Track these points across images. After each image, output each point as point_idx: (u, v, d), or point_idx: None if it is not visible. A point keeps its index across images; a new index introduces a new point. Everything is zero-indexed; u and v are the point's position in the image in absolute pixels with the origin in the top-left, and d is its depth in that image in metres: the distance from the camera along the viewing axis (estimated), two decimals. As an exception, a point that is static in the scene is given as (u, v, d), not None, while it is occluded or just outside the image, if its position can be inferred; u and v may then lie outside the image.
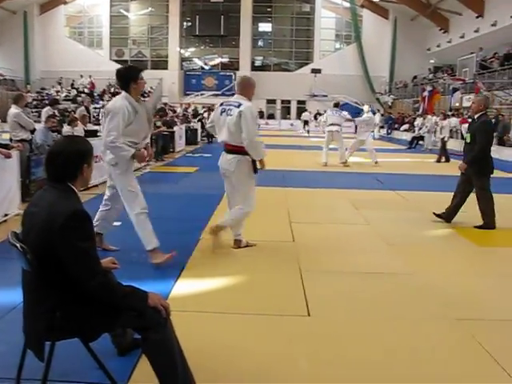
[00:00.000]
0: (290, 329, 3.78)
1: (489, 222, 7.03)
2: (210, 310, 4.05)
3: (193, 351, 3.02)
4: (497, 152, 19.41)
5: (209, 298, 4.31)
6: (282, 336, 3.65)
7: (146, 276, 4.64)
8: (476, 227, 7.04)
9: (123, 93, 5.01)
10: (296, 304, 4.20)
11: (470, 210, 7.24)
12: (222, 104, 5.80)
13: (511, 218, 7.69)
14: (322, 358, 3.35)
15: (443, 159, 16.87)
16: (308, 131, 33.96)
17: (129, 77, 5.00)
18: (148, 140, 5.63)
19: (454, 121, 23.98)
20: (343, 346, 3.53)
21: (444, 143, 17.16)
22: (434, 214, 7.44)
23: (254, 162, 5.64)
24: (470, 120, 7.23)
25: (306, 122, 35.25)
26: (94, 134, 11.08)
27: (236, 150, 5.58)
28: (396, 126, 33.45)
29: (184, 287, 4.51)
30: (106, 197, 5.54)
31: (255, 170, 5.69)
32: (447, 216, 7.32)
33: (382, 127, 33.53)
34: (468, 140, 7.16)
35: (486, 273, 5.29)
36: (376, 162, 14.90)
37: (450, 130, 21.19)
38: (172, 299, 4.16)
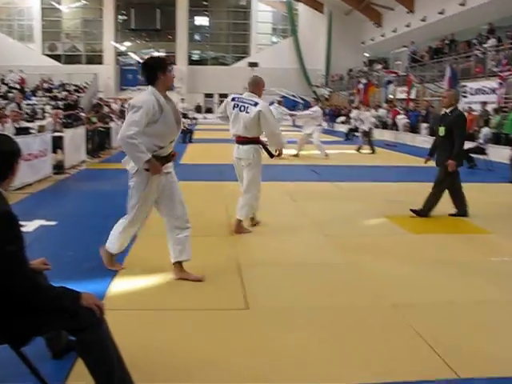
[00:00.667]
0: (228, 323, 3.79)
1: (426, 211, 7.27)
2: (148, 308, 4.02)
3: (130, 350, 3.00)
4: (428, 142, 20.06)
5: (146, 296, 4.26)
6: (220, 330, 3.66)
7: (82, 275, 4.57)
8: (451, 215, 7.35)
9: (150, 88, 4.40)
10: (234, 298, 4.22)
11: (408, 199, 7.49)
12: (233, 99, 6.28)
13: (440, 205, 7.94)
14: (261, 350, 3.37)
15: (365, 150, 17.44)
16: None
17: (157, 67, 4.40)
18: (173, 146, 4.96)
19: (382, 112, 24.58)
20: (282, 337, 3.56)
21: (367, 134, 17.64)
22: (411, 210, 7.44)
23: (267, 149, 6.33)
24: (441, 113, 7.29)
25: None
26: (25, 131, 10.76)
27: (251, 140, 6.21)
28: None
29: (121, 285, 4.44)
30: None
31: (271, 155, 6.38)
32: (424, 211, 7.36)
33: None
34: (442, 133, 7.25)
35: (418, 259, 5.46)
36: (326, 155, 15.06)
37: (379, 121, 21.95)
38: (109, 298, 4.12)
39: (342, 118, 31.32)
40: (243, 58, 43.44)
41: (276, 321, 3.84)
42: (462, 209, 7.40)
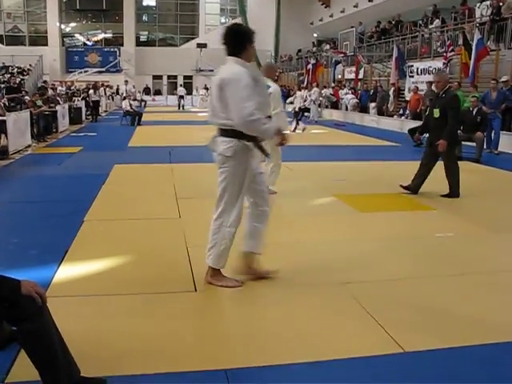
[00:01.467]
0: (177, 305, 3.76)
1: (455, 191, 7.43)
2: (95, 293, 3.93)
3: (77, 338, 2.94)
4: (376, 122, 20.37)
5: (94, 281, 4.18)
6: (169, 313, 3.62)
7: (27, 263, 4.46)
8: (443, 196, 7.43)
9: (234, 58, 3.94)
10: (183, 280, 4.18)
11: (356, 178, 7.58)
12: None
13: (388, 183, 8.09)
14: (210, 332, 3.36)
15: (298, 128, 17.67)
16: (183, 106, 33.21)
17: (247, 37, 3.97)
18: None
19: (327, 91, 24.69)
20: (230, 318, 3.58)
21: (296, 113, 17.97)
22: (401, 186, 7.58)
23: None
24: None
25: (181, 97, 34.45)
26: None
27: None
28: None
29: (68, 271, 4.34)
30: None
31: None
32: (414, 187, 7.53)
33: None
34: (436, 115, 7.34)
35: (367, 237, 5.54)
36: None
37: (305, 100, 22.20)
38: (55, 285, 4.03)
39: (291, 99, 31.35)
40: (192, 38, 42.88)
41: (225, 302, 3.85)
42: (417, 187, 7.57)
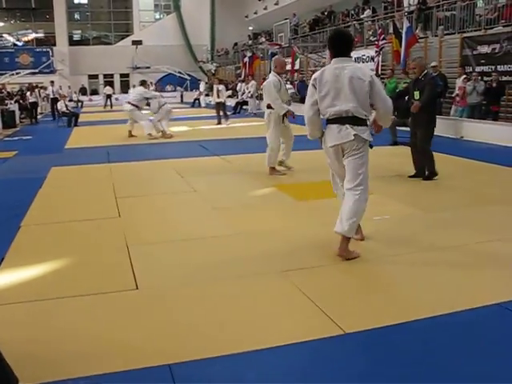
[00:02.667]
0: (118, 304, 3.74)
1: (433, 171, 7.79)
2: (35, 299, 3.85)
3: (16, 346, 2.91)
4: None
5: (33, 286, 4.10)
6: (110, 313, 3.60)
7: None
8: (424, 179, 7.76)
9: (350, 58, 4.65)
10: (123, 279, 4.15)
11: (295, 168, 7.69)
12: None
13: (327, 171, 8.22)
14: (154, 328, 3.36)
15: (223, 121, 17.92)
16: (111, 105, 32.67)
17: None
18: None
19: (252, 83, 24.66)
20: (172, 313, 3.57)
21: (219, 106, 18.02)
22: (410, 177, 7.88)
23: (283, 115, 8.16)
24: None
25: (108, 96, 33.75)
26: None
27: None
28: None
29: (5, 279, 4.23)
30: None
31: (283, 120, 8.23)
32: (419, 173, 7.85)
33: (207, 95, 33.84)
34: (417, 97, 7.74)
35: (306, 225, 5.64)
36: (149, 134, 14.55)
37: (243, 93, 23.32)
38: (-9, 293, 3.94)
39: (229, 92, 31.38)
40: (127, 36, 42.18)
41: (168, 298, 3.83)
42: (421, 171, 7.88)
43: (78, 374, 2.82)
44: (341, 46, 4.55)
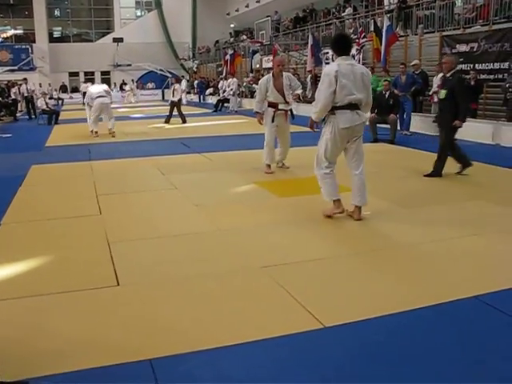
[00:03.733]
0: (99, 301, 3.74)
1: (438, 172, 7.70)
2: (14, 296, 3.83)
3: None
4: (295, 109, 20.64)
5: (13, 284, 4.08)
6: (92, 309, 3.60)
7: None
8: (426, 176, 7.71)
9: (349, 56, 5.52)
10: (105, 275, 4.15)
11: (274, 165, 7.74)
12: None
13: (308, 167, 8.27)
14: (136, 324, 3.37)
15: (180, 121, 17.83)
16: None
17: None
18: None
19: (233, 81, 24.57)
20: (156, 309, 3.58)
21: (173, 105, 17.94)
22: (425, 175, 7.75)
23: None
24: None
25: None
26: None
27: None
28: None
29: (-16, 276, 4.23)
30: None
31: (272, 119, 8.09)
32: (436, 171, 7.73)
33: (189, 92, 33.79)
34: (442, 96, 7.61)
35: (285, 221, 5.67)
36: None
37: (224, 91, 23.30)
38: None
39: (211, 90, 31.41)
40: (108, 33, 41.91)
41: (149, 294, 3.84)
42: (466, 162, 7.81)
43: (59, 371, 2.83)
44: (346, 47, 5.48)
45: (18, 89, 26.07)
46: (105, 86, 15.26)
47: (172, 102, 17.94)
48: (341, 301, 3.65)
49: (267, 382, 2.73)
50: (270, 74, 8.15)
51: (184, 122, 17.69)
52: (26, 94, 22.59)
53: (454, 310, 3.47)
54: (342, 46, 5.44)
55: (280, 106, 8.08)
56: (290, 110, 8.31)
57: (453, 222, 5.54)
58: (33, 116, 22.13)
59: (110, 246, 4.85)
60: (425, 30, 16.42)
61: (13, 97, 22.35)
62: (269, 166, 8.24)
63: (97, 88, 14.88)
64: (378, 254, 4.57)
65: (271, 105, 8.07)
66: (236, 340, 3.12)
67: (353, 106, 5.30)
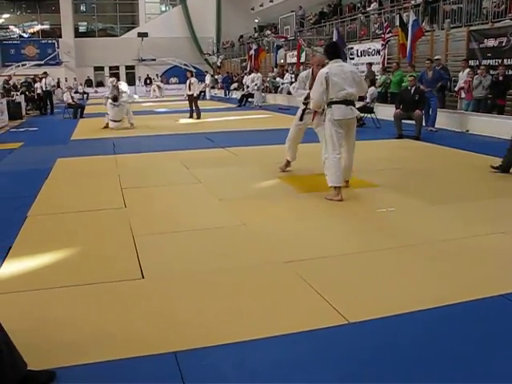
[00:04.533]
0: (124, 293, 3.77)
1: (505, 167, 7.51)
2: (42, 287, 3.88)
3: (24, 333, 2.94)
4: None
5: (40, 275, 4.13)
6: (117, 301, 3.63)
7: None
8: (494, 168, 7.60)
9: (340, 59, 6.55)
10: (129, 268, 4.19)
11: (298, 160, 7.74)
12: None
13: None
14: (160, 317, 3.38)
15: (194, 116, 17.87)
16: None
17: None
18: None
19: (257, 76, 24.46)
20: (180, 302, 3.59)
21: (190, 99, 17.99)
22: (491, 167, 7.64)
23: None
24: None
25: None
26: None
27: None
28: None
29: (12, 268, 4.27)
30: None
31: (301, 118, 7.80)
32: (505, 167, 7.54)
33: (213, 87, 33.87)
34: None
35: (310, 216, 5.66)
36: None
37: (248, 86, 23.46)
38: (-2, 282, 3.97)
39: (235, 85, 31.40)
40: (132, 28, 42.12)
41: (173, 287, 3.86)
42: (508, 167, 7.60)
43: (83, 361, 2.86)
44: (336, 52, 6.57)
45: (45, 83, 26.33)
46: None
47: (189, 95, 17.97)
48: (366, 297, 3.62)
49: (291, 376, 2.72)
50: (310, 71, 7.78)
51: (198, 117, 17.66)
52: (44, 88, 22.29)
53: (480, 308, 3.43)
54: (333, 52, 6.53)
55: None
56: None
57: (481, 219, 5.46)
58: (48, 111, 22.31)
59: (135, 239, 4.88)
60: (452, 25, 16.19)
61: (38, 91, 22.50)
62: (287, 161, 8.01)
63: (123, 86, 15.39)
64: (403, 251, 4.53)
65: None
66: (260, 334, 3.11)
67: (348, 102, 6.26)
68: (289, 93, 22.10)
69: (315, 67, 7.63)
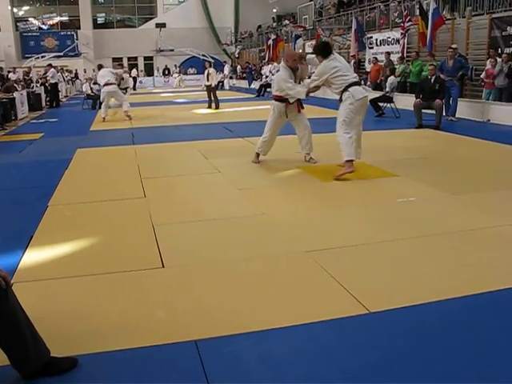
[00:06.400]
0: (145, 282, 3.78)
1: None
2: (63, 276, 3.92)
3: (47, 320, 2.97)
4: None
5: (61, 264, 4.17)
6: (137, 290, 3.64)
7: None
8: None
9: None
10: (150, 257, 4.20)
11: (319, 150, 7.70)
12: None
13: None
14: (181, 306, 3.39)
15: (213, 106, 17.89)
16: (134, 88, 32.70)
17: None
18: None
19: (274, 66, 24.34)
20: (200, 291, 3.60)
21: (209, 89, 17.99)
22: None
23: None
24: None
25: (133, 79, 33.73)
26: None
27: None
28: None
29: (34, 256, 4.31)
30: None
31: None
32: None
33: (231, 78, 33.85)
34: None
35: (330, 205, 5.65)
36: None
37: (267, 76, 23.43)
38: (21, 270, 4.00)
39: (220, 76, 31.29)
40: (150, 18, 42.17)
41: (193, 276, 3.87)
42: None
43: (104, 349, 2.88)
44: (329, 51, 6.96)
45: (62, 74, 26.34)
46: (111, 70, 15.66)
47: (207, 86, 17.98)
48: (386, 286, 3.60)
49: (313, 365, 2.71)
50: (285, 69, 7.63)
51: (217, 107, 17.69)
52: (52, 81, 21.71)
53: (505, 298, 3.38)
54: (327, 51, 6.95)
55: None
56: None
57: (503, 209, 5.39)
58: (46, 107, 21.58)
59: (155, 229, 4.90)
60: (473, 13, 15.93)
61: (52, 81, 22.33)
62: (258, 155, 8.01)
63: (104, 74, 15.18)
64: (425, 240, 4.48)
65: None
66: (280, 323, 3.11)
67: (358, 83, 7.14)
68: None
69: (291, 62, 7.58)
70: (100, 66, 16.40)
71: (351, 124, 6.81)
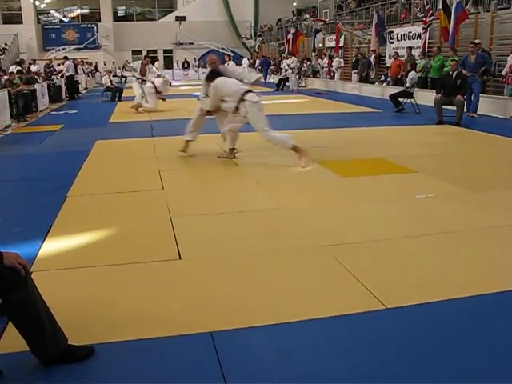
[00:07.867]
0: (161, 273, 3.80)
1: None
2: (81, 266, 3.95)
3: (65, 309, 2.99)
4: (358, 89, 20.36)
5: (79, 254, 4.20)
6: (154, 281, 3.67)
7: (11, 239, 4.42)
8: None
9: None
10: (167, 249, 4.22)
11: (338, 145, 7.66)
12: None
13: (370, 148, 8.15)
14: (197, 298, 3.40)
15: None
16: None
17: None
18: None
19: (292, 59, 24.30)
20: (217, 284, 3.61)
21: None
22: None
23: None
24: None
25: None
26: None
27: None
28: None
29: (53, 246, 4.36)
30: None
31: None
32: None
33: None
34: None
35: (348, 201, 5.62)
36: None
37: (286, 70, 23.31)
38: (40, 259, 4.05)
39: (271, 68, 31.28)
40: (170, 12, 42.19)
41: (210, 268, 3.88)
42: None
43: (120, 339, 2.90)
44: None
45: (82, 66, 26.47)
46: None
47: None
48: (404, 282, 3.58)
49: (328, 359, 2.71)
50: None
51: None
52: (67, 74, 21.46)
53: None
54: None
55: None
56: None
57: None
58: (66, 99, 21.46)
59: (172, 221, 4.91)
60: (498, 7, 15.68)
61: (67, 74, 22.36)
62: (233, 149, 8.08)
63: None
64: (443, 237, 4.44)
65: None
66: (297, 317, 3.10)
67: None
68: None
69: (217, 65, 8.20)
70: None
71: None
